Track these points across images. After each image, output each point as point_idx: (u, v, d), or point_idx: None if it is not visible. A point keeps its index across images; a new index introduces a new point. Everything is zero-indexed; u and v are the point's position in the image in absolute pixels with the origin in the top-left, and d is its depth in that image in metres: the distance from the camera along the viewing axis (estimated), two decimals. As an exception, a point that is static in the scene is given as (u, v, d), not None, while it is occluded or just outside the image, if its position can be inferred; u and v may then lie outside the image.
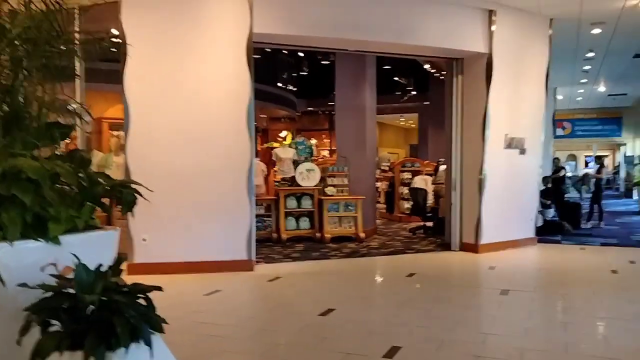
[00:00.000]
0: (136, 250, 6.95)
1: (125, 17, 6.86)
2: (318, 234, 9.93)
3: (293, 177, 10.24)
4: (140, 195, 3.33)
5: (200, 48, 7.07)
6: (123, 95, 6.92)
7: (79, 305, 2.31)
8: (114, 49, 7.21)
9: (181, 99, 7.01)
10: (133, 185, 3.17)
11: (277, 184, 10.61)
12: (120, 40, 6.92)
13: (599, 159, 13.70)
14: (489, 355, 4.11)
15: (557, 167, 12.92)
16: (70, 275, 2.50)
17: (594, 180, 12.97)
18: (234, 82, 7.13)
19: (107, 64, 7.71)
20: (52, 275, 2.55)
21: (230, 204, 7.16)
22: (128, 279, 6.17)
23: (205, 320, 5.00)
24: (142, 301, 2.66)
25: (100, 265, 2.58)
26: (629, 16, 9.09)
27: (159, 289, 2.80)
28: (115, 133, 10.45)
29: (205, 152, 7.04)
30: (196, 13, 7.07)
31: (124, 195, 3.11)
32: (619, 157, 27.02)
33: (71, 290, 2.38)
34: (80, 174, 3.08)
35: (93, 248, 2.98)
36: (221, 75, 7.13)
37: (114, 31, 7.24)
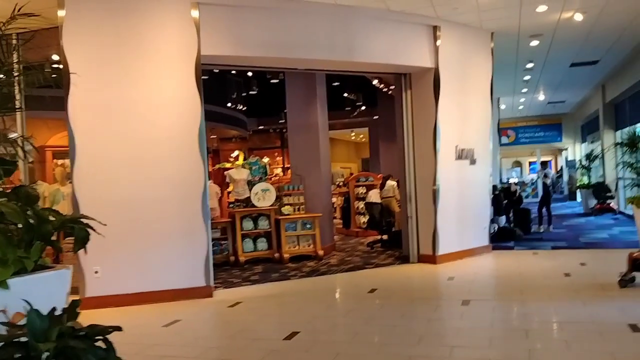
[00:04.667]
0: (88, 284, 6.67)
1: (67, 43, 6.65)
2: (277, 255, 9.82)
3: (248, 198, 10.11)
4: (94, 229, 3.19)
5: (147, 72, 6.92)
6: (68, 123, 6.67)
7: (33, 354, 2.16)
8: (55, 75, 6.98)
9: (129, 125, 6.82)
10: (85, 220, 3.02)
11: (231, 205, 10.45)
12: (62, 67, 6.71)
13: (544, 165, 14.15)
14: (457, 368, 4.13)
15: (507, 189, 13.22)
16: (22, 322, 2.35)
17: (541, 184, 13.37)
18: (183, 105, 7.00)
19: (49, 90, 7.41)
20: (1, 323, 2.39)
21: (185, 230, 6.99)
22: (81, 314, 5.87)
23: (165, 353, 4.82)
24: (101, 344, 2.53)
25: (54, 309, 2.43)
26: (564, 28, 9.51)
27: (118, 329, 2.66)
28: (60, 162, 10.11)
29: (157, 178, 6.86)
30: (142, 37, 6.92)
31: (75, 231, 2.97)
32: (561, 162, 28.13)
33: (24, 339, 2.23)
34: (28, 212, 2.92)
35: (45, 289, 2.83)
36: (170, 98, 6.98)
37: (56, 57, 7.01)
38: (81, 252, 6.50)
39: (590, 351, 4.34)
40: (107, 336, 2.59)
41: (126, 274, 6.79)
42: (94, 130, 6.73)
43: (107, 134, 6.76)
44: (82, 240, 3.00)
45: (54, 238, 3.16)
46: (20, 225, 2.92)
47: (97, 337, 2.53)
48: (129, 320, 6.06)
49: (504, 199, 12.16)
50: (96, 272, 6.68)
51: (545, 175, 12.97)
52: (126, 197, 6.76)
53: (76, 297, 6.60)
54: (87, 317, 5.74)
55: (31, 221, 2.94)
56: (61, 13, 6.66)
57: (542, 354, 4.38)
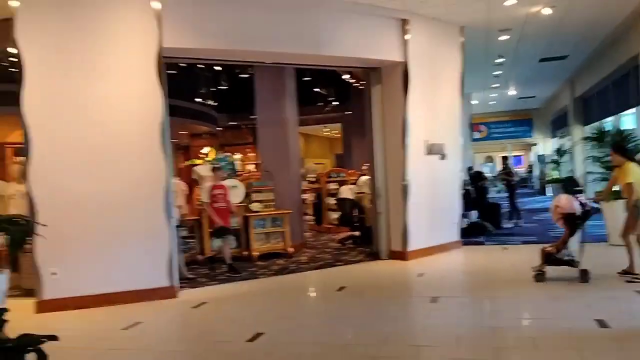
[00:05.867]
0: (45, 286, 6.38)
1: (21, 35, 6.34)
2: (245, 252, 9.62)
3: (216, 195, 9.86)
4: (33, 231, 2.98)
5: (105, 65, 6.63)
6: (22, 118, 6.37)
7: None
8: (13, 69, 6.67)
9: (87, 120, 6.55)
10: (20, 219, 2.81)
11: (200, 202, 10.20)
12: (17, 60, 6.42)
13: (505, 160, 14.24)
14: (422, 369, 4.03)
15: (477, 175, 13.25)
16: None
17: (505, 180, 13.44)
18: (144, 99, 6.74)
19: (8, 85, 7.12)
20: None
21: (146, 229, 6.75)
22: (37, 317, 5.64)
23: (122, 357, 4.62)
24: (33, 355, 2.33)
25: (-22, 319, 2.23)
26: (533, 22, 9.51)
27: (54, 338, 2.47)
28: (19, 159, 9.74)
29: (116, 176, 6.60)
30: (100, 29, 6.64)
31: (10, 233, 2.75)
32: (532, 157, 28.47)
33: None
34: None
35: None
36: (130, 93, 6.72)
37: (12, 50, 6.70)
38: (39, 252, 6.26)
39: (557, 348, 4.27)
40: (42, 349, 2.40)
41: (86, 275, 6.53)
42: (49, 125, 6.44)
43: (64, 129, 6.48)
44: (18, 243, 2.79)
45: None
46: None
47: (29, 348, 2.33)
48: (87, 323, 5.84)
49: (472, 181, 12.21)
50: (54, 274, 6.40)
51: (508, 173, 13.05)
52: (85, 195, 6.49)
53: (33, 300, 6.36)
54: (43, 321, 5.49)
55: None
56: (14, 4, 6.35)
57: (509, 353, 4.31)
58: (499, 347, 4.39)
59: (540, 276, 6.59)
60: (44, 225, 2.98)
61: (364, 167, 13.22)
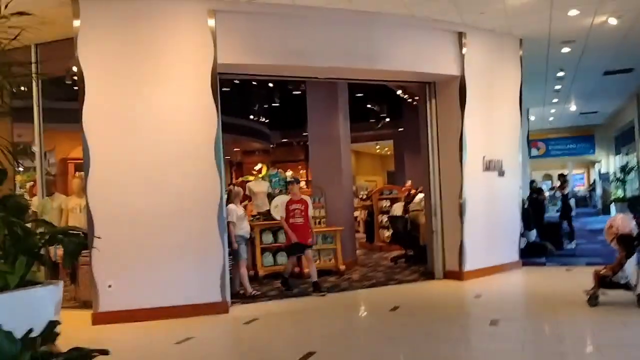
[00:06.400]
0: (101, 298, 6.46)
1: (82, 53, 6.53)
2: (297, 269, 9.52)
3: (268, 211, 9.86)
4: (85, 243, 2.97)
5: (162, 82, 6.75)
6: (82, 134, 6.54)
7: (-2, 383, 1.93)
8: (76, 87, 6.89)
9: (144, 136, 6.65)
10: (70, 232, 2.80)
11: (252, 218, 10.22)
12: (77, 78, 6.62)
13: (561, 176, 13.68)
14: (484, 397, 3.77)
15: (537, 189, 12.79)
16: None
17: (560, 197, 12.90)
18: (199, 115, 6.82)
19: (72, 103, 7.36)
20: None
21: (200, 244, 6.76)
22: (93, 329, 5.68)
23: (173, 374, 4.57)
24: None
25: (30, 330, 2.19)
26: (597, 33, 9.08)
27: (105, 352, 2.41)
28: (79, 174, 10.06)
29: (171, 191, 6.65)
30: (157, 46, 6.78)
31: (64, 244, 2.74)
32: (594, 175, 27.26)
33: (-9, 365, 2.00)
34: (14, 223, 2.70)
35: (29, 308, 2.59)
36: (185, 109, 6.80)
37: (75, 69, 6.92)
38: (95, 265, 6.37)
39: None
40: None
41: (140, 289, 6.58)
42: (108, 141, 6.59)
43: (122, 145, 6.61)
44: (72, 254, 2.77)
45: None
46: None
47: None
48: (141, 336, 5.87)
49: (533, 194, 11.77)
50: (109, 286, 6.48)
51: (562, 187, 12.54)
52: (141, 210, 6.57)
53: (90, 312, 6.46)
54: (98, 333, 5.54)
55: (19, 232, 2.72)
56: (76, 23, 6.56)
57: (579, 382, 4.00)
58: (568, 377, 4.08)
59: (593, 300, 6.19)
60: (98, 237, 2.95)
61: (407, 184, 13.10)
